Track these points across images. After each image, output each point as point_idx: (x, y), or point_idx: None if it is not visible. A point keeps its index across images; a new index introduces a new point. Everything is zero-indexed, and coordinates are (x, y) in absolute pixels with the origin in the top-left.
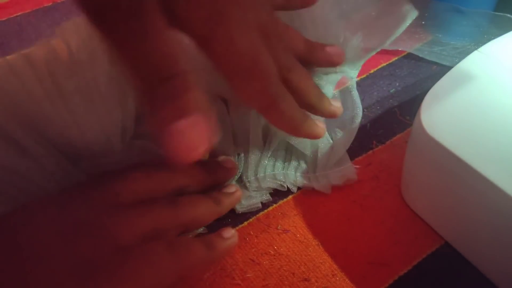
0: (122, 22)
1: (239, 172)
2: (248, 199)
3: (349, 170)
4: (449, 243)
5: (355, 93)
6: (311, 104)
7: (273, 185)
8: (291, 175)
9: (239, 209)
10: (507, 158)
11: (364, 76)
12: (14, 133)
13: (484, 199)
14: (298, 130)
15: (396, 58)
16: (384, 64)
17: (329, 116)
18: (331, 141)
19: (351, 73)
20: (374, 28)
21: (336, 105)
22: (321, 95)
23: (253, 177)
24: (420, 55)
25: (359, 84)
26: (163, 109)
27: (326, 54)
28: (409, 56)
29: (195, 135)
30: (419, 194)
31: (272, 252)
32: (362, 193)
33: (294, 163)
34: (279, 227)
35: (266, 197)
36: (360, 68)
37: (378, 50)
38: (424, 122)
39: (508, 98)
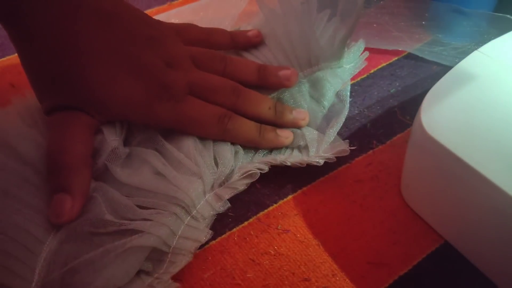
0: (51, 124)
1: (232, 167)
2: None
3: (341, 144)
4: (449, 243)
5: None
6: (268, 122)
7: (265, 160)
8: (283, 156)
9: (241, 187)
10: (507, 158)
11: (365, 76)
12: None
13: (484, 199)
14: (257, 145)
15: (396, 58)
16: (385, 64)
17: (293, 127)
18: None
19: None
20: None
21: (299, 116)
22: (279, 113)
23: (248, 161)
24: (421, 55)
25: (359, 84)
26: (48, 181)
27: (278, 78)
28: (410, 56)
29: (55, 210)
30: (419, 193)
31: (272, 252)
32: (362, 193)
33: (288, 151)
34: (279, 227)
35: (261, 166)
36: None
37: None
38: (424, 122)
39: (508, 98)
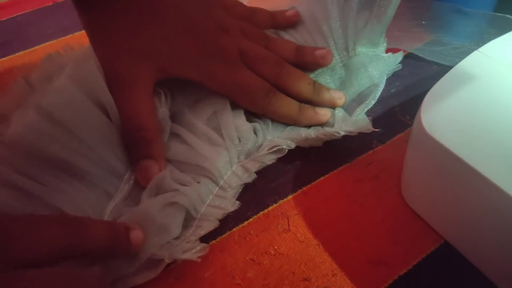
0: (116, 84)
1: (257, 140)
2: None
3: (363, 120)
4: (449, 243)
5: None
6: (306, 100)
7: (293, 136)
8: (307, 130)
9: (268, 162)
10: (507, 158)
11: None
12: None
13: (484, 199)
14: (296, 122)
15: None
16: None
17: (329, 106)
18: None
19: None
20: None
21: (336, 96)
22: (317, 90)
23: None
24: (421, 55)
25: None
26: (130, 153)
27: (314, 57)
28: (410, 56)
29: (145, 174)
30: (419, 193)
31: (272, 252)
32: (362, 192)
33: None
34: (279, 227)
35: (288, 142)
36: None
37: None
38: (424, 122)
39: (508, 98)
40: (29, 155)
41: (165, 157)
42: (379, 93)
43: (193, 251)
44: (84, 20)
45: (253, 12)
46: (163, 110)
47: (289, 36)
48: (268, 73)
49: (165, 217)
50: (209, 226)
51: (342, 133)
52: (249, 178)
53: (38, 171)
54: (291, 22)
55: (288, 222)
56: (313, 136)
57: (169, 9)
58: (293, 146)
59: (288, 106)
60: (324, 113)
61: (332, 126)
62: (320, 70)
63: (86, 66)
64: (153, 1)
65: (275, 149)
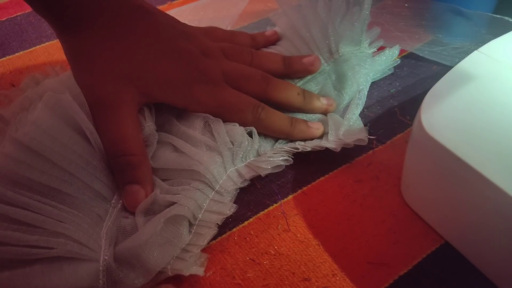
0: (100, 109)
1: (255, 146)
2: (267, 163)
3: (361, 132)
4: (449, 243)
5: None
6: (297, 109)
7: (287, 149)
8: (302, 142)
9: (263, 173)
10: (507, 158)
11: None
12: None
13: (484, 199)
14: (289, 136)
15: (396, 58)
16: None
17: (321, 113)
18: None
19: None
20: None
21: (327, 103)
22: (307, 99)
23: (269, 148)
24: (421, 55)
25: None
26: (116, 177)
27: (302, 65)
28: (410, 56)
29: (131, 199)
30: (419, 193)
31: (272, 252)
32: (362, 193)
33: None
34: (279, 227)
35: (286, 157)
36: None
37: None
38: (424, 122)
39: (508, 98)
40: (11, 184)
41: (152, 181)
42: (365, 93)
43: (196, 266)
44: (67, 47)
45: (233, 35)
46: (149, 125)
47: (271, 49)
48: (255, 89)
49: (169, 233)
50: (209, 233)
51: (339, 148)
52: (244, 183)
53: (24, 199)
54: (270, 41)
55: (288, 222)
56: (309, 149)
57: (152, 34)
58: (291, 160)
59: (279, 120)
60: (316, 127)
61: (326, 133)
62: (309, 77)
63: (62, 96)
64: (137, 26)
65: (273, 166)
